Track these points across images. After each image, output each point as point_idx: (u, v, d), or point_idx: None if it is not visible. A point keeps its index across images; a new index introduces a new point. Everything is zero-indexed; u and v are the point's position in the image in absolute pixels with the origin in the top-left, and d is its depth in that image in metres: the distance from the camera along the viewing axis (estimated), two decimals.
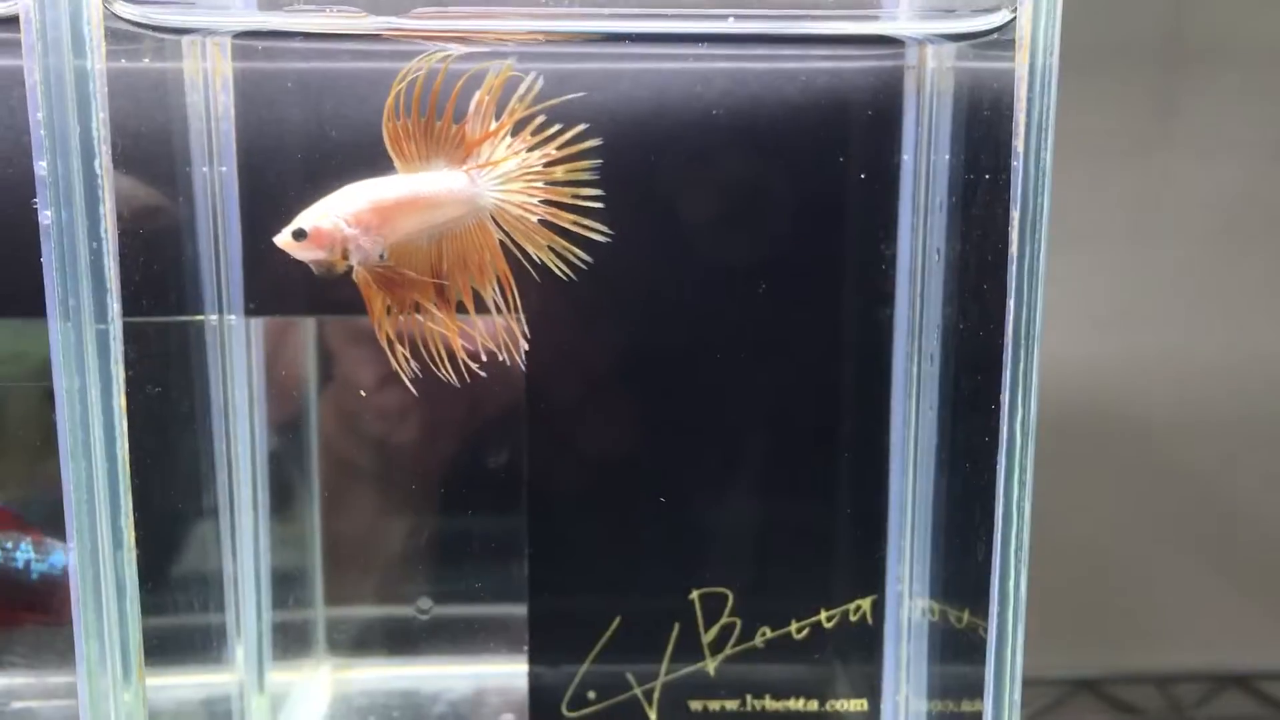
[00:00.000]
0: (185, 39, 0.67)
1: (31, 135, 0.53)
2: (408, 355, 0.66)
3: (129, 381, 0.56)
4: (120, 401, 0.56)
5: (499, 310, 0.67)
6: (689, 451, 0.78)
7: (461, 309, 0.66)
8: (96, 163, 0.54)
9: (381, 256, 0.65)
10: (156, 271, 0.64)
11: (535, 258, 0.66)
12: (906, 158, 0.73)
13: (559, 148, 0.65)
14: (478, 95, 0.64)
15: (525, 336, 0.68)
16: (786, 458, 0.78)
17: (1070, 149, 0.60)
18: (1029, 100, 0.58)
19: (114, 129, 0.55)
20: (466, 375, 0.67)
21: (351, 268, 0.64)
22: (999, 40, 0.62)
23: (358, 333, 0.76)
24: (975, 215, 0.67)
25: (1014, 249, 0.59)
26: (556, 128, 0.65)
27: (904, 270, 0.74)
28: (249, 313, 0.73)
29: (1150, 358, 1.15)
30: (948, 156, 0.70)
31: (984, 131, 0.65)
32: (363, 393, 0.78)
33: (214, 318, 0.72)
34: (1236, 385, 1.16)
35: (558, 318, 0.75)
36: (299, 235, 0.63)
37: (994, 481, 0.62)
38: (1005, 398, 0.60)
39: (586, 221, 0.66)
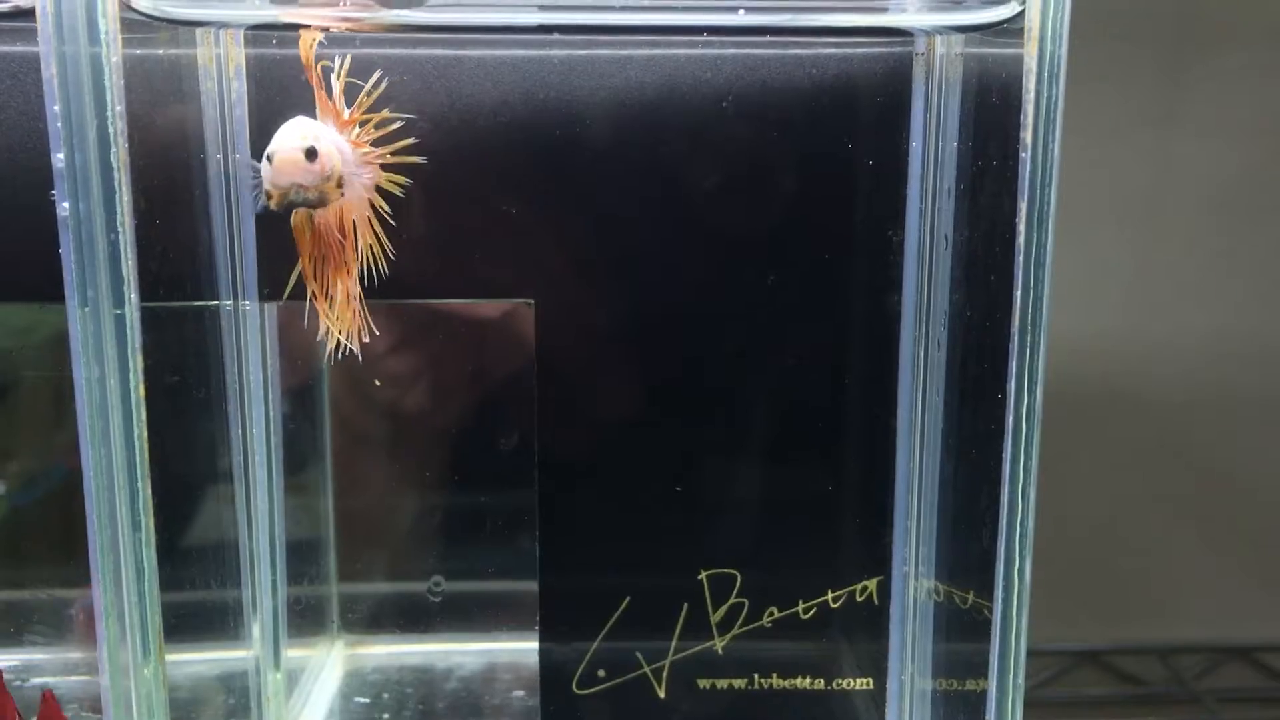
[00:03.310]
0: (199, 28, 0.67)
1: (48, 127, 0.54)
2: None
3: (147, 369, 0.57)
4: (139, 389, 0.57)
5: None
6: (699, 434, 0.79)
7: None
8: (113, 154, 0.54)
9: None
10: (173, 260, 0.65)
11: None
12: (915, 144, 0.73)
13: (377, 142, 0.64)
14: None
15: (372, 331, 0.67)
16: (795, 441, 0.79)
17: (1077, 127, 0.60)
18: (1037, 92, 0.58)
19: (129, 118, 0.55)
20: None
21: (297, 205, 0.62)
22: (1008, 28, 0.62)
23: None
24: (983, 203, 0.67)
25: (1021, 239, 0.59)
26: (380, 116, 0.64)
27: (912, 257, 0.74)
28: (263, 298, 0.74)
29: (1153, 334, 1.16)
30: (956, 144, 0.70)
31: (992, 119, 0.65)
32: (377, 382, 0.79)
33: (229, 303, 0.73)
34: (1241, 362, 1.16)
35: (569, 298, 0.76)
36: (312, 155, 0.61)
37: (999, 468, 0.62)
38: (1011, 386, 0.61)
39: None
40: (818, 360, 0.77)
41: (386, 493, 0.86)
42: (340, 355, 0.67)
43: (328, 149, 0.61)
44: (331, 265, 0.65)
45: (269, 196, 0.63)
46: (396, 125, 0.65)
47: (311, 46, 0.62)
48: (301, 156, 0.61)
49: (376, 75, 0.64)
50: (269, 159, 0.62)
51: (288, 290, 0.66)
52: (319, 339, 0.67)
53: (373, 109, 0.65)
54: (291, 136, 0.61)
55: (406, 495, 0.86)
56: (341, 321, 0.65)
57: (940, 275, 0.73)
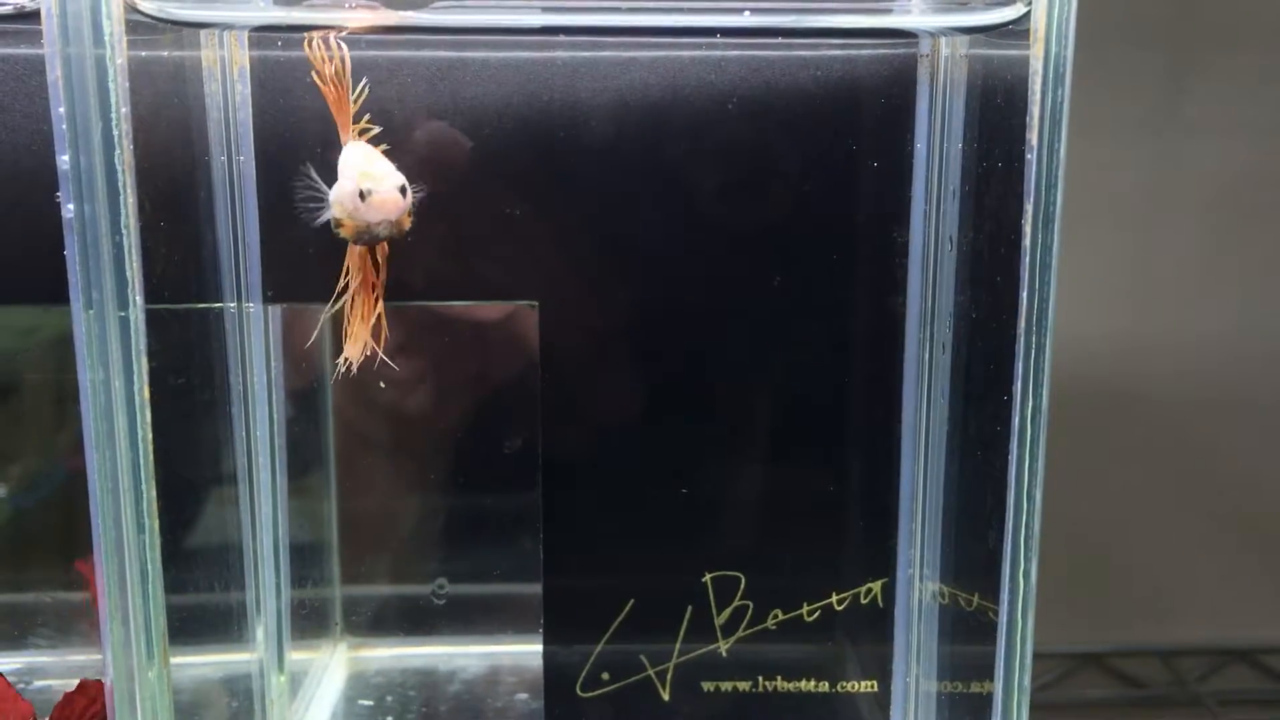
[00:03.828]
0: (203, 30, 0.67)
1: (54, 129, 0.54)
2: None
3: (151, 371, 0.57)
4: (144, 392, 0.57)
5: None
6: (703, 436, 0.79)
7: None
8: (118, 156, 0.54)
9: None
10: (177, 262, 0.65)
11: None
12: (920, 146, 0.73)
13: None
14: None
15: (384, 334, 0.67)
16: (800, 444, 0.79)
17: (1082, 128, 0.60)
18: (1043, 93, 0.58)
19: (134, 120, 0.55)
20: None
21: (380, 239, 0.62)
22: (1013, 30, 0.62)
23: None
24: (988, 204, 0.67)
25: (1026, 241, 0.59)
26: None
27: (916, 258, 0.74)
28: (267, 300, 0.74)
29: (1157, 335, 1.16)
30: (960, 145, 0.70)
31: (997, 120, 0.65)
32: (381, 384, 0.79)
33: (233, 306, 0.73)
34: (1243, 363, 1.16)
35: (572, 300, 0.76)
36: (404, 191, 0.61)
37: (1005, 470, 0.62)
38: (1017, 388, 0.61)
39: None
40: (822, 362, 0.77)
41: (390, 495, 0.86)
42: (374, 368, 0.67)
43: (408, 185, 0.62)
44: (367, 283, 0.65)
45: (339, 225, 0.62)
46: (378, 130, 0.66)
47: (329, 48, 0.62)
48: (399, 195, 0.61)
49: (363, 83, 0.64)
50: (362, 196, 0.61)
51: (330, 306, 0.67)
52: (341, 356, 0.67)
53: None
54: (384, 174, 0.61)
55: (410, 498, 0.86)
56: (366, 335, 0.66)
57: (945, 277, 0.73)
